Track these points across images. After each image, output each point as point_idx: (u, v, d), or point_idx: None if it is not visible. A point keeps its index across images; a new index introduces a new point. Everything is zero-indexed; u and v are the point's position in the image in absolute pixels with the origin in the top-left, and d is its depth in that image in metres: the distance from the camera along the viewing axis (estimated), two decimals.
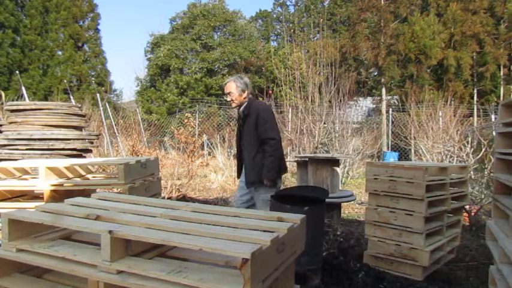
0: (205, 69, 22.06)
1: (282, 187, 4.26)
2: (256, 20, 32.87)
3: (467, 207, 4.88)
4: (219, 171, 8.99)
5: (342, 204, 5.48)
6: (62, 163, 2.37)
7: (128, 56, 53.45)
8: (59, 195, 2.25)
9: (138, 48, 59.67)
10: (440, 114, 8.92)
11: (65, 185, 2.26)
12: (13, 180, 2.38)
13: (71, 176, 2.45)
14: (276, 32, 31.63)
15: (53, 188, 2.23)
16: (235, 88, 3.43)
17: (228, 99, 3.50)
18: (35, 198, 2.38)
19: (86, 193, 2.26)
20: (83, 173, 2.55)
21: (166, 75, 22.80)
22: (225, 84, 3.53)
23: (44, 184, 2.23)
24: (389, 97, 18.47)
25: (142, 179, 2.35)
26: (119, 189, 2.29)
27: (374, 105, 19.35)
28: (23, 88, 9.69)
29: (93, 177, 2.54)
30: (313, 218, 2.56)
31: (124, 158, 2.77)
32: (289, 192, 3.27)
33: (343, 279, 2.86)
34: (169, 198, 5.95)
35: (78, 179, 2.42)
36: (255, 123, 3.32)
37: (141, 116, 14.16)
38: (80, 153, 4.40)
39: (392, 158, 12.01)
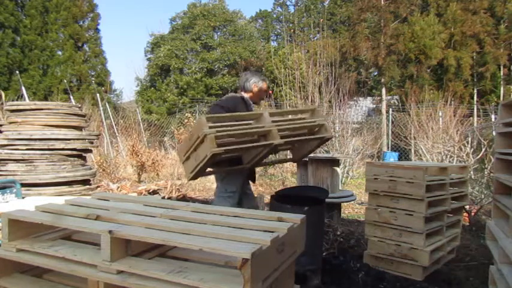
0: (205, 69, 22.05)
1: (282, 187, 4.24)
2: (256, 20, 32.86)
3: (467, 207, 4.87)
4: None
5: (342, 204, 5.47)
6: None
7: (128, 56, 53.49)
8: None
9: (138, 48, 59.76)
10: (440, 114, 8.91)
11: None
12: None
13: None
14: (276, 32, 31.63)
15: None
16: None
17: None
18: None
19: None
20: None
21: (166, 75, 22.80)
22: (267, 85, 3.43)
23: None
24: (389, 97, 18.46)
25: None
26: None
27: (374, 105, 19.34)
28: (23, 88, 9.72)
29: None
30: (313, 218, 2.56)
31: None
32: (289, 192, 3.27)
33: (343, 279, 2.86)
34: (169, 198, 5.94)
35: None
36: None
37: (141, 116, 14.15)
38: (80, 153, 4.41)
39: (392, 158, 12.00)
